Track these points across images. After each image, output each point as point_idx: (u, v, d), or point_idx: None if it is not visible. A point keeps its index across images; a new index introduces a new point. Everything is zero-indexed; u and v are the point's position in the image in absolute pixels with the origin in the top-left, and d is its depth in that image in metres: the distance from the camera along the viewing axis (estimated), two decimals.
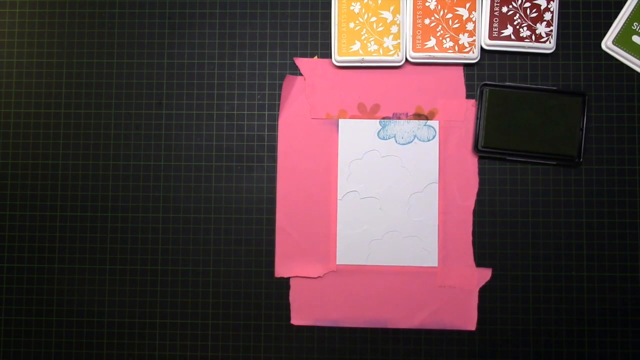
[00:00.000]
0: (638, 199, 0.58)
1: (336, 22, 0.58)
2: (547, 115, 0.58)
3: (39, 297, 0.60)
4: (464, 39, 0.58)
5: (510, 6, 0.58)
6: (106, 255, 0.60)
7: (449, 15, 0.58)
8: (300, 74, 0.60)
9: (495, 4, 0.58)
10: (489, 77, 0.59)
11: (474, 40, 0.58)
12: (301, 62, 0.60)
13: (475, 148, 0.58)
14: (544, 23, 0.58)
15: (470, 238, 0.58)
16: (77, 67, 0.61)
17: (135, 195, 0.60)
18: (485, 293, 0.58)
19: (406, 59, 0.59)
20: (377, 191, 0.59)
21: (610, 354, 0.57)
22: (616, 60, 0.59)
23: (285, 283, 0.59)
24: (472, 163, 0.59)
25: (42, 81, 0.60)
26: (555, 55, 0.59)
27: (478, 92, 0.58)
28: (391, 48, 0.58)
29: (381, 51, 0.58)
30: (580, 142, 0.58)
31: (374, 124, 0.59)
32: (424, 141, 0.59)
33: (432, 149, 0.59)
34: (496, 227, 0.59)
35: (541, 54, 0.59)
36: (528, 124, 0.58)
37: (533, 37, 0.58)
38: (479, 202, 0.59)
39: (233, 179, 0.60)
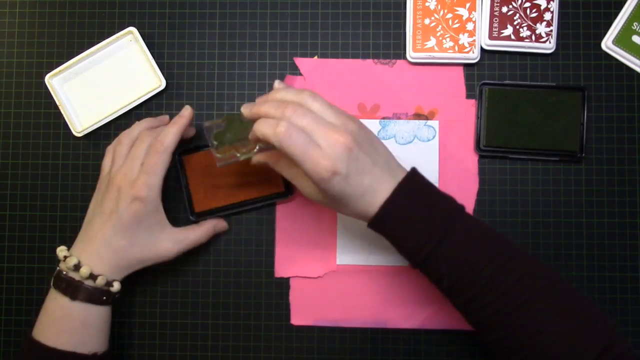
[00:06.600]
0: (638, 199, 0.58)
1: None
2: (548, 111, 0.58)
3: (38, 297, 0.59)
4: (464, 39, 0.58)
5: (510, 6, 0.58)
6: None
7: (449, 15, 0.58)
8: (300, 74, 0.60)
9: (495, 4, 0.58)
10: (489, 77, 0.59)
11: (474, 40, 0.58)
12: (301, 62, 0.60)
13: (477, 147, 0.58)
14: (544, 23, 0.58)
15: None
16: None
17: None
18: None
19: (406, 59, 0.59)
20: None
21: None
22: (616, 60, 0.59)
23: (285, 283, 0.59)
24: (472, 163, 0.59)
25: (42, 81, 0.60)
26: (555, 55, 0.59)
27: (477, 92, 0.58)
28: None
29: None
30: (582, 137, 0.58)
31: (374, 124, 0.59)
32: (424, 141, 0.59)
33: (432, 149, 0.59)
34: (496, 227, 0.58)
35: (541, 54, 0.59)
36: (529, 121, 0.58)
37: (533, 37, 0.58)
38: (479, 202, 0.59)
39: None
